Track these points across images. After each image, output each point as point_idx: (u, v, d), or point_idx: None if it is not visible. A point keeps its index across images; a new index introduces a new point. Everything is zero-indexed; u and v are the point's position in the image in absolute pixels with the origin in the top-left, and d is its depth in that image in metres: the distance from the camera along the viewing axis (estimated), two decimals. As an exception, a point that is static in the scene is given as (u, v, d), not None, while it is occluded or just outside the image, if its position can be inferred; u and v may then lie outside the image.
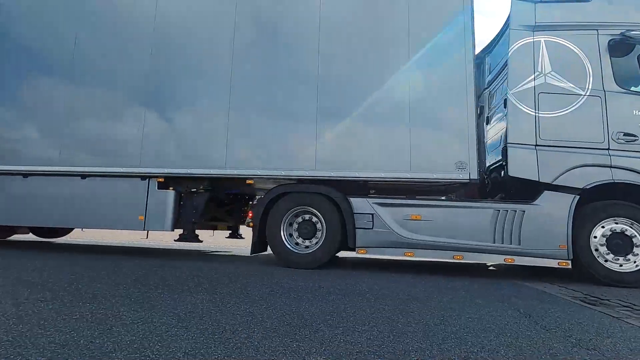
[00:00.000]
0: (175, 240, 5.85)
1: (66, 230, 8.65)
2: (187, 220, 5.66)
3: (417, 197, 5.54)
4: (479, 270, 5.84)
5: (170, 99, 5.61)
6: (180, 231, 5.79)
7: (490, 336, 2.23)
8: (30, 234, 8.20)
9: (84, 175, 5.74)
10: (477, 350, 1.96)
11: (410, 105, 4.87)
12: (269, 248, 5.40)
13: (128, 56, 5.76)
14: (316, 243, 5.10)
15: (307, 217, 5.23)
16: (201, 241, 6.11)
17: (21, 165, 5.88)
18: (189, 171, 5.40)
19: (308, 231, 5.16)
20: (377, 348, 1.93)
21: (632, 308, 3.28)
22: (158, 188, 5.54)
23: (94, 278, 3.75)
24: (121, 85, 5.78)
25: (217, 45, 5.50)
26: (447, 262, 6.80)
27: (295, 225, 5.25)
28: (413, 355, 1.84)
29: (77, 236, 9.72)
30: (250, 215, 5.62)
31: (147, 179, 5.57)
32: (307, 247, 5.14)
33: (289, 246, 5.15)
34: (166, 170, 5.48)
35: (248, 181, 5.39)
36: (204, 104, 5.51)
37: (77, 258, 5.45)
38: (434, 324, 2.47)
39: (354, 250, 4.98)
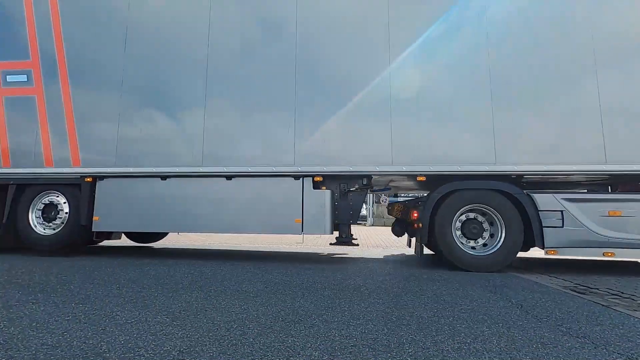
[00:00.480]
0: (331, 244, 5.42)
1: (161, 235, 8.15)
2: (344, 222, 5.29)
3: (612, 192, 5.15)
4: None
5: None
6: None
7: (482, 327, 2.26)
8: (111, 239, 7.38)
9: (229, 176, 5.30)
10: (470, 340, 1.99)
11: None
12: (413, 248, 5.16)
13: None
14: (484, 245, 4.83)
15: (471, 215, 4.90)
16: (357, 244, 5.64)
17: (161, 167, 5.39)
18: (350, 169, 5.00)
19: (478, 231, 4.82)
20: (371, 342, 1.95)
21: (621, 296, 3.35)
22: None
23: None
24: (275, 87, 5.31)
25: None
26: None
27: (457, 224, 4.89)
28: (407, 348, 1.86)
29: (174, 241, 8.93)
30: (415, 214, 5.15)
31: (301, 178, 5.16)
32: (473, 247, 4.84)
33: (463, 248, 4.80)
34: (325, 169, 5.06)
35: (419, 178, 4.98)
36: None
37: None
38: (428, 316, 2.50)
39: (542, 251, 4.63)
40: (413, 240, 6.09)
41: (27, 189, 5.87)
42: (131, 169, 5.48)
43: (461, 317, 2.48)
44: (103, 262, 5.02)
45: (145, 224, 5.45)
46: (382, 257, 6.27)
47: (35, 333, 1.99)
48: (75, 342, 1.85)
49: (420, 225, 4.97)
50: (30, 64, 5.94)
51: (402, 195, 8.25)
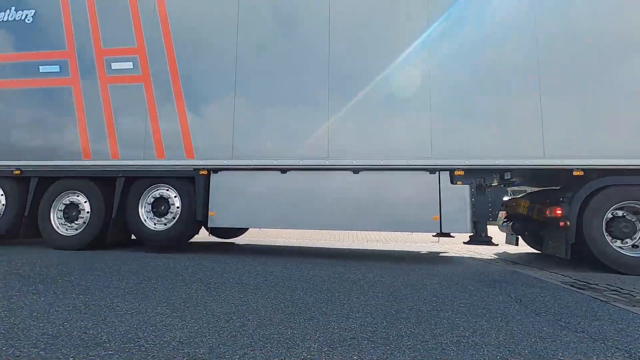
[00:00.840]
0: (465, 243, 5.10)
1: (242, 231, 8.04)
2: (482, 219, 4.91)
3: None
4: (473, 258, 5.91)
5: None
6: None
7: (481, 321, 2.27)
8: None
9: (356, 170, 4.98)
10: (469, 334, 2.00)
11: None
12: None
13: None
14: (634, 246, 4.47)
15: (620, 213, 4.53)
16: (497, 244, 5.17)
17: (282, 159, 5.08)
18: (495, 162, 4.66)
19: (630, 230, 4.48)
20: (370, 334, 1.95)
21: (620, 292, 3.36)
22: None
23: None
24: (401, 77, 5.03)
25: None
26: (440, 250, 6.90)
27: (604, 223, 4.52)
28: (406, 340, 1.86)
29: (257, 237, 8.77)
30: (559, 212, 4.71)
31: (437, 172, 4.82)
32: (620, 247, 4.47)
33: (619, 249, 4.46)
34: (467, 162, 4.72)
35: (576, 172, 4.56)
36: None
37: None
38: (427, 310, 2.51)
39: None
40: (519, 238, 5.97)
41: (135, 182, 5.60)
42: (251, 161, 5.19)
43: (460, 311, 2.49)
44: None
45: (262, 219, 5.16)
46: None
47: (35, 323, 2.00)
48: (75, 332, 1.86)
49: (568, 223, 4.55)
50: (136, 50, 5.68)
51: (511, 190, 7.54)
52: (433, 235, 5.32)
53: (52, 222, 5.65)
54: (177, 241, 5.43)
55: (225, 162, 5.26)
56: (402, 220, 4.80)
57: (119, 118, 5.64)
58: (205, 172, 5.33)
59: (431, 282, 3.54)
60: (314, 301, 2.65)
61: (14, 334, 1.82)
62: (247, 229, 7.92)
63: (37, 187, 5.75)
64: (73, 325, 1.96)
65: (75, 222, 5.63)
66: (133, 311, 2.27)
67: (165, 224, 5.47)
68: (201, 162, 5.32)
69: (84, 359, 1.51)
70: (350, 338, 1.87)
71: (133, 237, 5.93)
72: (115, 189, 5.57)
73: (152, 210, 5.55)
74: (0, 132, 5.97)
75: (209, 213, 5.26)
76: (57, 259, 4.49)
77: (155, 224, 5.51)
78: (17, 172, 5.80)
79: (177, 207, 5.46)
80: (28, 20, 6.13)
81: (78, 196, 5.69)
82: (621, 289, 3.50)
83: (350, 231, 10.62)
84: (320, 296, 2.82)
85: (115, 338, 1.78)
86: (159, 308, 2.36)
